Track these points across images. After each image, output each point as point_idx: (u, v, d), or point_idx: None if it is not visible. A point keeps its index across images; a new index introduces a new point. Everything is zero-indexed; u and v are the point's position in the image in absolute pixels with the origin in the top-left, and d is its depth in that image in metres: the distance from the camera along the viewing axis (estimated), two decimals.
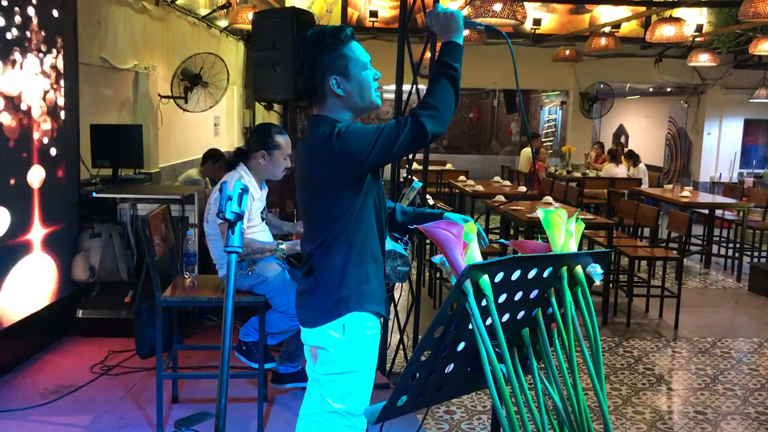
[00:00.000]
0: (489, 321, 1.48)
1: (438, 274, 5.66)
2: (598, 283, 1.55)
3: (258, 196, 3.33)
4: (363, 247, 1.97)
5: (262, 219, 3.40)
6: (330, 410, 2.00)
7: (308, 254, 2.03)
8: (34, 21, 3.80)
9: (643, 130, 12.83)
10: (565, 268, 1.58)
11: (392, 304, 3.93)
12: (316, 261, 1.99)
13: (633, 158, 9.59)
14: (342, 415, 1.99)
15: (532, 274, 1.53)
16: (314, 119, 2.02)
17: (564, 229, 1.62)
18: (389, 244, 2.25)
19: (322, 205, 1.96)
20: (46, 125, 3.97)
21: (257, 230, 3.33)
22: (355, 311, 1.95)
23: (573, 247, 1.62)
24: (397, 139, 1.85)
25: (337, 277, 1.95)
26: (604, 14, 9.07)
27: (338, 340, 1.95)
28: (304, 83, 2.00)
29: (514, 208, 5.71)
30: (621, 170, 9.09)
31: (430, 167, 5.37)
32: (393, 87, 3.94)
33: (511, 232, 6.52)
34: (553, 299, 1.59)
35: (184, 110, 6.36)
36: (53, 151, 4.06)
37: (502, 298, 1.52)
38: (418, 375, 1.56)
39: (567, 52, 8.97)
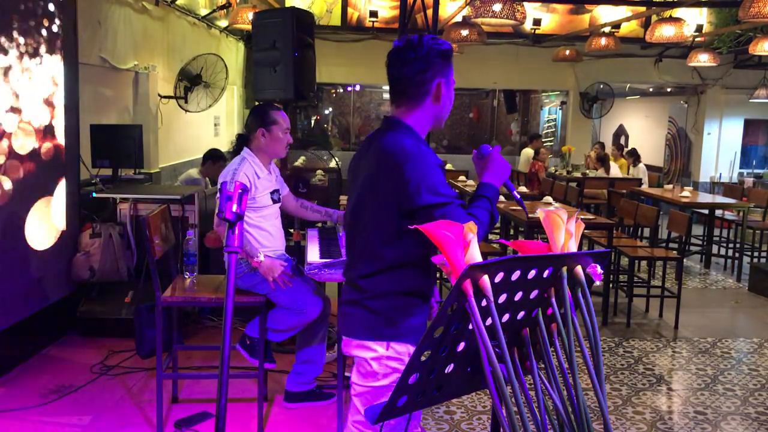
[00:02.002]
0: (489, 321, 1.48)
1: (438, 274, 5.66)
2: (598, 283, 1.55)
3: (264, 175, 3.29)
4: (414, 280, 1.94)
5: (274, 201, 3.34)
6: (360, 420, 1.97)
7: (359, 274, 1.96)
8: (34, 21, 3.80)
9: (643, 130, 12.83)
10: (565, 268, 1.58)
11: None
12: (366, 282, 1.95)
13: (634, 156, 9.59)
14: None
15: (532, 274, 1.53)
16: (392, 122, 2.00)
17: (564, 229, 1.62)
18: None
19: (383, 226, 1.92)
20: (46, 125, 3.97)
21: (267, 213, 3.29)
22: (396, 341, 1.93)
23: (573, 247, 1.62)
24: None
25: (383, 305, 1.92)
26: (604, 14, 9.07)
27: (380, 355, 1.92)
28: (413, 75, 1.97)
29: (514, 208, 5.71)
30: (614, 171, 9.10)
31: None
32: None
33: (511, 232, 6.52)
34: (553, 299, 1.59)
35: (186, 111, 6.36)
36: (53, 151, 4.05)
37: (502, 298, 1.52)
38: (418, 375, 1.56)
39: (567, 52, 8.97)
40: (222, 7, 7.19)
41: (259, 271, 3.13)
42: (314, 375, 3.44)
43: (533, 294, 1.59)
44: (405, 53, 1.97)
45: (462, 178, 8.68)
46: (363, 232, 1.99)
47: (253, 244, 3.19)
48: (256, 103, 4.38)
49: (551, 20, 9.20)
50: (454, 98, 2.08)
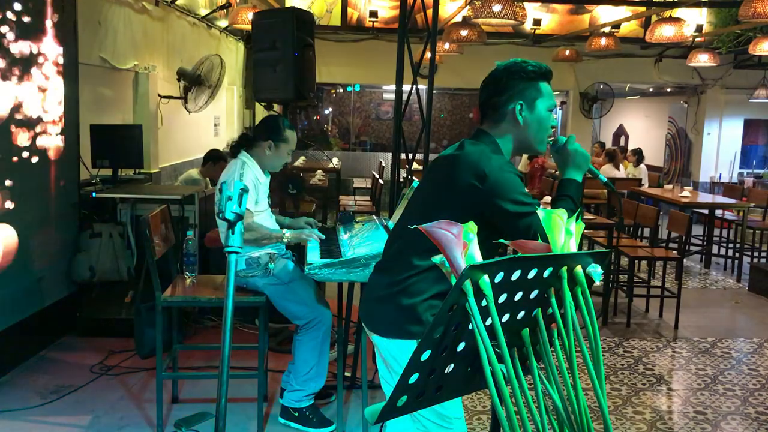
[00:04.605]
0: (489, 321, 1.48)
1: None
2: (598, 283, 1.55)
3: (264, 180, 3.32)
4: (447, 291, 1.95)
5: (269, 204, 3.38)
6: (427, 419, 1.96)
7: (397, 278, 1.95)
8: (34, 21, 3.80)
9: (643, 130, 12.83)
10: (565, 268, 1.58)
11: None
12: (401, 286, 1.94)
13: (638, 156, 9.59)
14: (438, 425, 1.95)
15: (532, 274, 1.53)
16: (478, 133, 2.03)
17: (564, 229, 1.62)
18: None
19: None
20: (46, 125, 3.97)
21: (265, 215, 3.31)
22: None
23: (573, 248, 1.62)
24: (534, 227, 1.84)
25: (417, 309, 1.92)
26: (604, 14, 9.07)
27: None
28: (488, 99, 2.02)
29: None
30: (620, 172, 9.10)
31: None
32: (393, 87, 3.94)
33: None
34: (553, 299, 1.59)
35: (190, 111, 6.36)
36: (53, 152, 4.06)
37: (502, 298, 1.52)
38: (418, 375, 1.55)
39: (567, 52, 8.97)
40: (222, 7, 7.19)
41: (292, 243, 3.22)
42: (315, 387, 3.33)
43: (533, 294, 1.59)
44: (487, 78, 2.03)
45: None
46: (407, 238, 1.98)
47: (266, 230, 3.21)
48: (257, 103, 4.38)
49: (551, 20, 9.19)
50: (548, 121, 2.02)
